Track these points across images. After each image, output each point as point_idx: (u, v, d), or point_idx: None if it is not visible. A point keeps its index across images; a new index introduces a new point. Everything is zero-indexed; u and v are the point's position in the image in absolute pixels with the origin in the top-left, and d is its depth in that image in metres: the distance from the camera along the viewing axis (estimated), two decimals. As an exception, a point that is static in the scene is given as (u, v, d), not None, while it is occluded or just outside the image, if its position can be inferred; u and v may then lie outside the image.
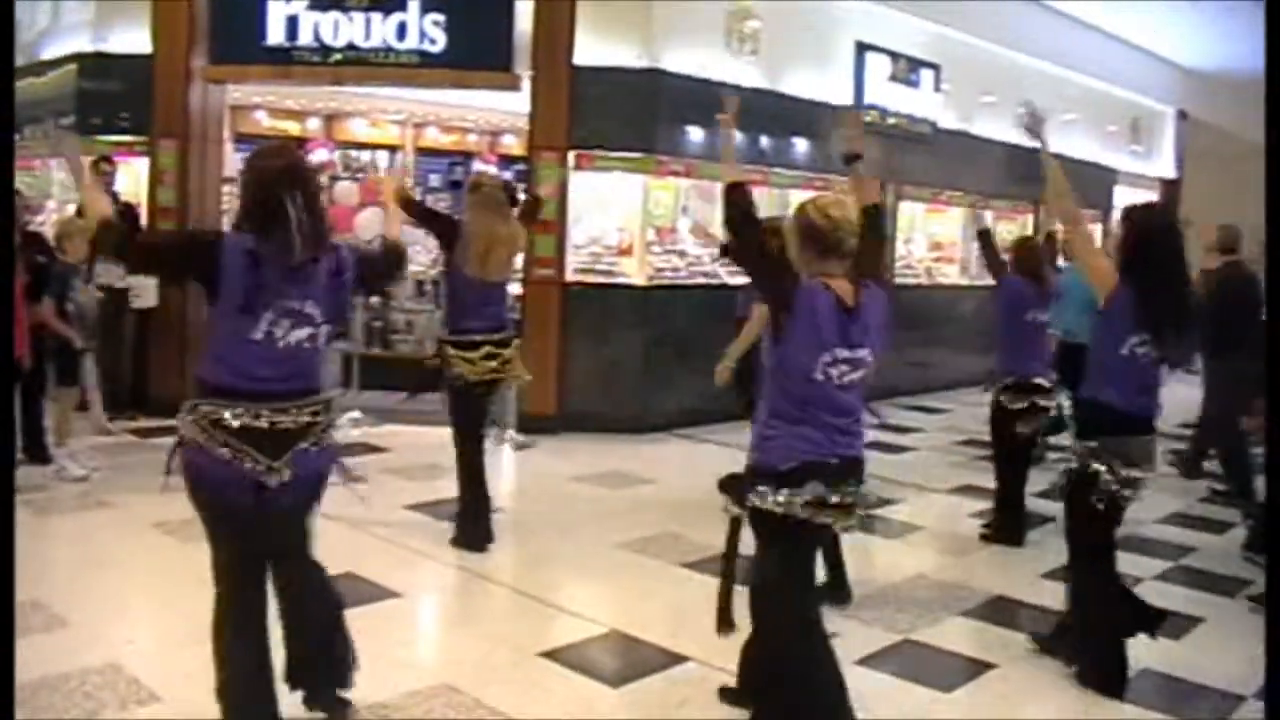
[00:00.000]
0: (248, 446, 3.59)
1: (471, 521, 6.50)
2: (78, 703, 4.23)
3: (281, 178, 3.63)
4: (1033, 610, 5.93)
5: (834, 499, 3.70)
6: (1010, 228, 14.51)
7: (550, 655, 4.97)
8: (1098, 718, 4.70)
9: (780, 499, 3.67)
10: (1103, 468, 4.65)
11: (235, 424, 3.59)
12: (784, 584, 3.88)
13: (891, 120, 12.61)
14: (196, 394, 3.65)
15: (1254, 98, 18.79)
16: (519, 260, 8.19)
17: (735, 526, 3.95)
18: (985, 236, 7.42)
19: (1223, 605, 6.24)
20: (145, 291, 9.51)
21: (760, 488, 3.70)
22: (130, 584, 5.74)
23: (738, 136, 10.62)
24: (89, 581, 5.61)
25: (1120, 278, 4.66)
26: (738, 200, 3.87)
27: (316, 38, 9.88)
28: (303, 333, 3.68)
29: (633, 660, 5.03)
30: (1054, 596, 5.92)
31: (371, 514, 6.33)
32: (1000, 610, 5.96)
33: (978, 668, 5.11)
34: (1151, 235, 4.73)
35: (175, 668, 4.49)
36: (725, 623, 4.11)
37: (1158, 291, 4.61)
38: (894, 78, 12.69)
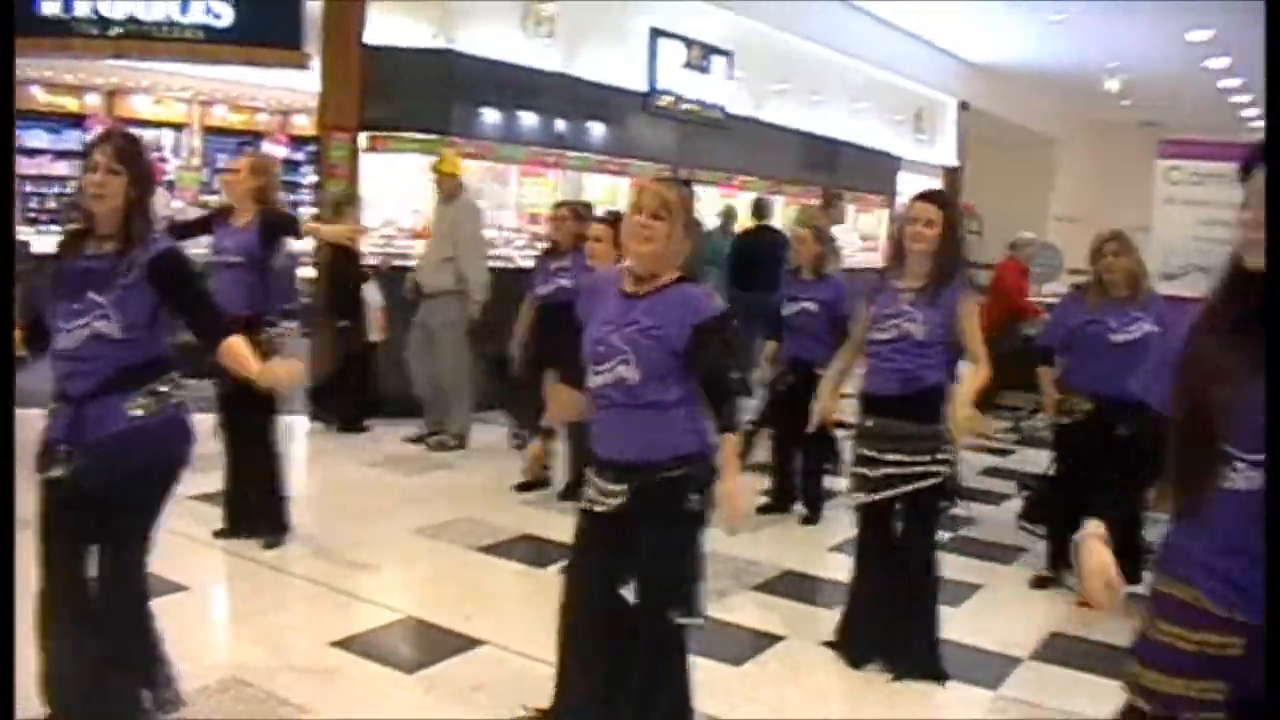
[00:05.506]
0: None
1: (282, 509, 6.36)
2: None
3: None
4: (823, 583, 6.13)
5: None
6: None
7: (343, 644, 4.91)
8: (882, 684, 4.84)
9: None
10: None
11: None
12: None
13: (685, 106, 12.77)
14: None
15: (1029, 89, 19.78)
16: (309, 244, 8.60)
17: None
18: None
19: (999, 572, 6.55)
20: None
21: None
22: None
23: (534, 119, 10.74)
24: None
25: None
26: None
27: (94, 9, 9.47)
28: None
29: (428, 645, 5.01)
30: (842, 569, 6.11)
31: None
32: (790, 584, 6.14)
33: (766, 640, 5.25)
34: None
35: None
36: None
37: None
38: (687, 64, 12.83)
